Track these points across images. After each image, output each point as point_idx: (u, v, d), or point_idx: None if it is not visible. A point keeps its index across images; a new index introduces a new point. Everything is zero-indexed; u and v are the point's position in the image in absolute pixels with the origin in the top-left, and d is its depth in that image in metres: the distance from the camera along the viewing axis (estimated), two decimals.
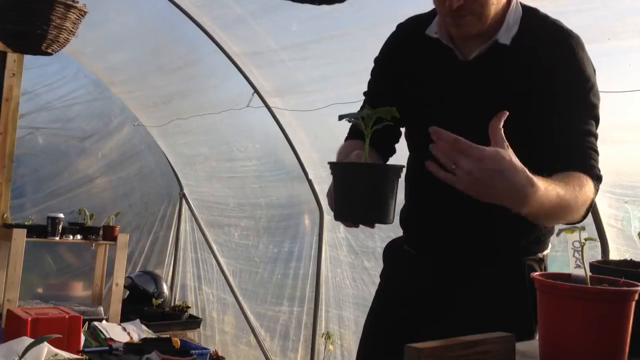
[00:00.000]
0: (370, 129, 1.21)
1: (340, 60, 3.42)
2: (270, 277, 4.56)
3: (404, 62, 1.60)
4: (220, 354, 4.52)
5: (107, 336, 3.62)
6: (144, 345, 2.96)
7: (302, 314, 4.23)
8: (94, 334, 3.66)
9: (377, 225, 1.24)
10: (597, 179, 1.35)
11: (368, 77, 1.70)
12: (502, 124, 1.11)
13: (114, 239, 4.72)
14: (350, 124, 1.41)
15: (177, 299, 5.41)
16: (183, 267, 5.48)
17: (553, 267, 1.62)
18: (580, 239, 0.99)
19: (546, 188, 1.16)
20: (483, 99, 1.47)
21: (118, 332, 3.74)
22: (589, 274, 0.98)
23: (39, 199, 4.89)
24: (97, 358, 2.92)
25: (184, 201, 5.49)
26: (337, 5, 1.95)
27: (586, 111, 1.40)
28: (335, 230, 4.05)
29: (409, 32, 1.62)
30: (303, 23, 3.35)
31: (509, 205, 1.15)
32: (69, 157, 5.08)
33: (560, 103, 1.40)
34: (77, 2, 2.63)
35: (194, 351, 2.98)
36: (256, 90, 3.96)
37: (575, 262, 0.99)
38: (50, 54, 2.70)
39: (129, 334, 3.77)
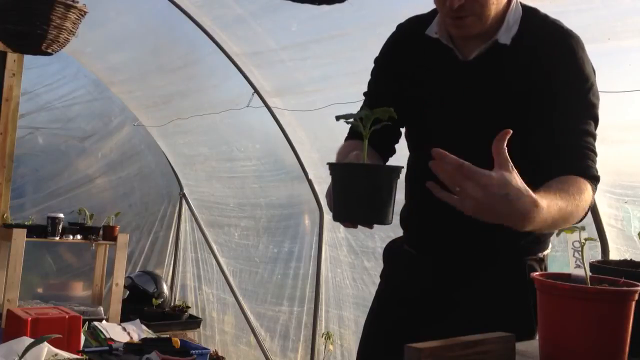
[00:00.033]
0: (368, 129, 1.21)
1: (340, 60, 3.42)
2: (270, 277, 4.56)
3: (403, 62, 1.60)
4: (220, 354, 4.52)
5: (107, 336, 3.62)
6: (144, 345, 2.96)
7: (302, 314, 4.23)
8: (94, 334, 3.66)
9: (376, 225, 1.25)
10: (595, 179, 1.36)
11: (368, 77, 1.70)
12: (505, 143, 1.09)
13: (114, 239, 4.72)
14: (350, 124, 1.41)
15: (177, 299, 5.41)
16: (183, 267, 5.48)
17: (553, 267, 1.62)
18: (580, 239, 0.99)
19: (549, 205, 1.16)
20: (483, 99, 1.47)
21: (118, 332, 3.74)
22: (589, 274, 0.98)
23: (39, 199, 4.89)
24: (97, 358, 2.92)
25: (184, 201, 5.49)
26: (337, 5, 1.95)
27: (585, 111, 1.40)
28: (335, 230, 4.05)
29: (409, 32, 1.62)
30: (303, 23, 3.35)
31: (512, 225, 1.15)
32: (69, 157, 5.08)
33: (559, 103, 1.40)
34: (77, 2, 2.63)
35: (194, 351, 2.98)
36: (256, 90, 3.96)
37: (575, 262, 0.99)
38: (50, 54, 2.71)
39: (129, 334, 3.78)
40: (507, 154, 1.10)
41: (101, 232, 4.72)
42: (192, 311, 5.12)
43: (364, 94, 1.69)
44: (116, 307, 4.68)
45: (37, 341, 1.86)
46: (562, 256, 1.89)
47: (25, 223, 4.45)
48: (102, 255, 4.87)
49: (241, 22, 3.59)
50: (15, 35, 2.57)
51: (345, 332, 3.95)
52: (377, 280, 1.79)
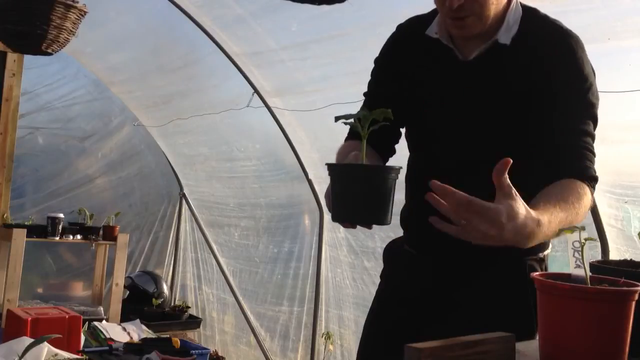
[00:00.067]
0: (366, 130, 1.21)
1: (340, 60, 3.42)
2: (270, 277, 4.56)
3: (404, 62, 1.60)
4: (220, 354, 4.52)
5: (107, 336, 3.62)
6: (144, 345, 2.96)
7: (302, 314, 4.23)
8: (94, 334, 3.66)
9: (375, 225, 1.25)
10: (593, 180, 1.36)
11: (368, 77, 1.70)
12: (505, 174, 1.10)
13: (114, 239, 4.72)
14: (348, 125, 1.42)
15: (177, 299, 5.41)
16: (183, 267, 5.48)
17: (553, 267, 1.62)
18: (580, 239, 0.99)
19: (549, 220, 1.18)
20: (483, 99, 1.47)
21: (118, 332, 3.74)
22: (589, 274, 0.98)
23: (39, 199, 4.89)
24: (97, 358, 2.92)
25: (184, 201, 5.49)
26: (337, 5, 1.95)
27: (585, 111, 1.41)
28: (335, 230, 4.05)
29: (409, 32, 1.62)
30: (303, 23, 3.35)
31: (516, 245, 1.17)
32: (69, 157, 5.08)
33: (559, 102, 1.40)
34: (77, 2, 2.63)
35: (194, 351, 2.98)
36: (256, 90, 3.96)
37: (575, 262, 0.99)
38: (50, 54, 2.71)
39: (129, 334, 3.77)
40: (509, 181, 1.10)
41: (101, 232, 4.72)
42: (192, 311, 5.12)
43: (364, 94, 1.69)
44: (116, 307, 4.68)
45: (37, 341, 1.86)
46: (562, 256, 1.89)
47: (25, 223, 4.45)
48: (102, 255, 4.87)
49: (241, 22, 3.59)
50: (15, 35, 2.57)
51: (345, 332, 3.95)
52: (377, 280, 1.79)
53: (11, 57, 4.56)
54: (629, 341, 0.94)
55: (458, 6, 1.37)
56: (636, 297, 0.94)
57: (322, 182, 4.01)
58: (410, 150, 1.68)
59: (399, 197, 1.49)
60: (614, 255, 2.54)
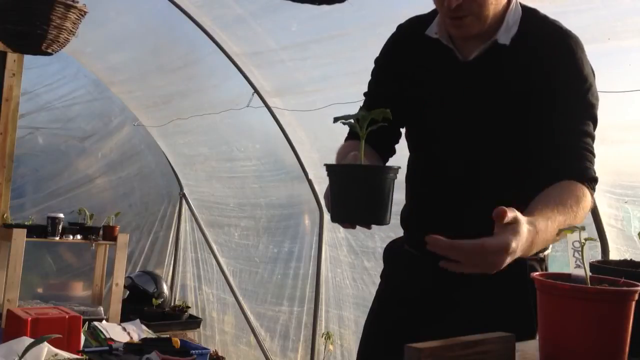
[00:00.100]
0: (365, 130, 1.21)
1: (340, 60, 3.42)
2: (270, 277, 4.56)
3: (404, 63, 1.60)
4: (220, 354, 4.52)
5: (107, 336, 3.62)
6: (144, 345, 2.96)
7: (302, 314, 4.23)
8: (94, 334, 3.66)
9: (375, 225, 1.25)
10: (593, 181, 1.36)
11: (368, 77, 1.70)
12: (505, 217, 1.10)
13: (114, 239, 4.72)
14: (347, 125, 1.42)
15: (177, 299, 5.41)
16: (183, 267, 5.48)
17: (553, 267, 1.62)
18: (580, 239, 0.99)
19: (547, 226, 1.19)
20: (483, 99, 1.47)
21: (118, 332, 3.74)
22: (589, 274, 0.98)
23: (39, 199, 4.89)
24: (97, 358, 2.92)
25: (184, 201, 5.49)
26: (337, 5, 1.95)
27: (584, 111, 1.41)
28: (335, 230, 4.05)
29: (409, 32, 1.63)
30: (303, 23, 3.35)
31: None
32: (69, 157, 5.08)
33: (558, 103, 1.40)
34: (77, 2, 2.63)
35: (194, 351, 2.98)
36: (256, 90, 3.96)
37: (575, 262, 0.99)
38: (50, 54, 2.71)
39: (129, 334, 3.78)
40: (507, 214, 1.10)
41: (101, 232, 4.72)
42: (192, 311, 5.12)
43: (364, 94, 1.69)
44: (116, 307, 4.68)
45: (37, 341, 1.86)
46: (562, 256, 1.89)
47: (25, 223, 4.45)
48: (102, 255, 4.87)
49: (241, 22, 3.59)
50: (15, 35, 2.57)
51: (345, 332, 3.95)
52: (377, 280, 1.79)
53: (11, 57, 4.56)
54: (629, 341, 0.94)
55: (456, 6, 1.37)
56: (636, 297, 0.94)
57: (322, 182, 4.01)
58: (410, 151, 1.68)
59: (399, 197, 1.49)
60: (614, 255, 2.54)
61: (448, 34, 1.50)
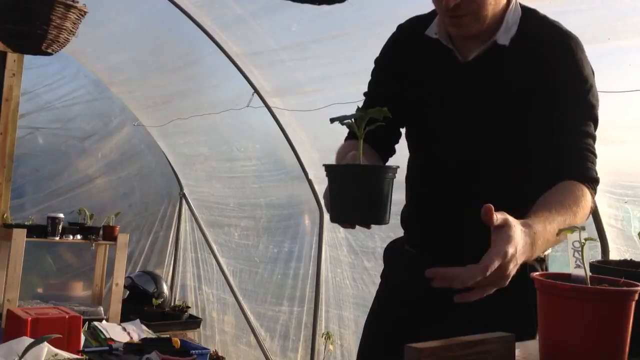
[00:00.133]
0: (362, 130, 1.21)
1: (340, 60, 3.42)
2: (270, 277, 4.56)
3: (403, 63, 1.60)
4: (220, 354, 4.52)
5: (107, 336, 3.62)
6: (144, 345, 2.96)
7: (302, 314, 4.23)
8: (94, 334, 3.66)
9: (374, 225, 1.25)
10: (594, 181, 1.36)
11: (368, 77, 1.70)
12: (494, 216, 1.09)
13: (114, 239, 4.72)
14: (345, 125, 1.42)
15: (177, 299, 5.41)
16: (183, 267, 5.48)
17: (553, 267, 1.62)
18: (580, 239, 0.99)
19: (545, 227, 1.18)
20: (482, 99, 1.47)
21: (118, 332, 3.74)
22: (589, 274, 0.98)
23: (39, 199, 4.89)
24: (97, 358, 2.92)
25: (184, 201, 5.50)
26: (337, 5, 1.95)
27: (585, 112, 1.41)
28: (335, 230, 4.05)
29: (409, 32, 1.63)
30: (303, 23, 3.35)
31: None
32: (69, 157, 5.08)
33: (558, 103, 1.40)
34: (77, 2, 2.63)
35: (194, 351, 2.98)
36: (256, 90, 3.96)
37: (575, 262, 0.99)
38: (50, 54, 2.71)
39: (129, 334, 3.77)
40: (497, 217, 1.09)
41: (101, 232, 4.72)
42: (192, 311, 5.12)
43: (364, 94, 1.69)
44: (116, 307, 4.68)
45: (37, 341, 1.86)
46: (562, 256, 1.89)
47: (25, 223, 4.45)
48: (102, 255, 4.87)
49: (241, 22, 3.59)
50: (15, 35, 2.57)
51: (345, 332, 3.95)
52: (377, 280, 1.79)
53: (11, 57, 4.56)
54: (629, 341, 0.94)
55: (455, 5, 1.37)
56: (636, 297, 0.94)
57: (322, 182, 4.01)
58: (410, 151, 1.68)
59: (399, 197, 1.49)
60: (614, 255, 2.54)
61: (448, 34, 1.50)
